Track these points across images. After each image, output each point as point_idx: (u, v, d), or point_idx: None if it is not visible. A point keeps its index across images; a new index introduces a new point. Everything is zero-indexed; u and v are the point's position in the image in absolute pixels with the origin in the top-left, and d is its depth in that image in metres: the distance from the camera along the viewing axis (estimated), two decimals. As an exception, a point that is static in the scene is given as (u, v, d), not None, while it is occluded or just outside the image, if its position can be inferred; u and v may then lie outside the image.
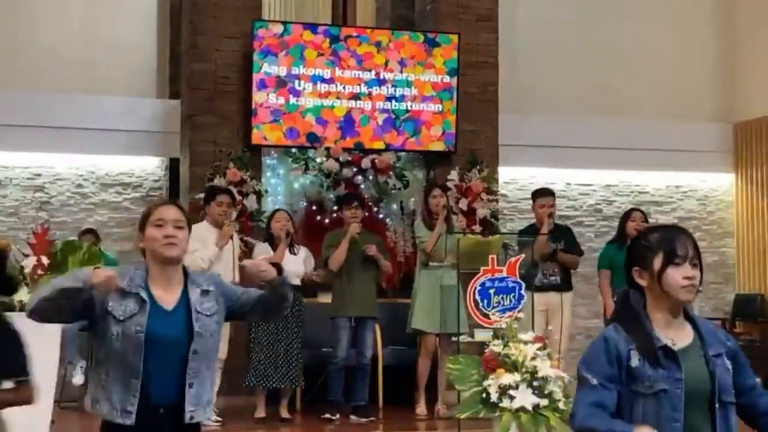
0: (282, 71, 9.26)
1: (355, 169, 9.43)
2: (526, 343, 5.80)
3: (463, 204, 9.56)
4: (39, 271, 5.79)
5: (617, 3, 11.43)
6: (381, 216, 9.67)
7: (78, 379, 8.36)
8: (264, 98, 9.21)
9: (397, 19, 10.52)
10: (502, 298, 6.37)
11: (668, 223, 3.70)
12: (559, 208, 8.74)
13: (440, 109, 9.64)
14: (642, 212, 8.43)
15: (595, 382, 2.81)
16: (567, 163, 10.98)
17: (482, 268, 6.45)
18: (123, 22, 10.37)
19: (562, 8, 11.22)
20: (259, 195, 9.16)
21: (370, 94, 9.49)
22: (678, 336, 2.85)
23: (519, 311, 6.32)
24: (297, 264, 7.82)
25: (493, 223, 9.63)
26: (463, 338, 7.68)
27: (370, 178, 9.52)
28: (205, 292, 3.39)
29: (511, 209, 10.83)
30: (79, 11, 10.30)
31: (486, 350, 5.88)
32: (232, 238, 7.67)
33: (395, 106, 9.55)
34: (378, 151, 9.50)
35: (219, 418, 7.38)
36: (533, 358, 5.71)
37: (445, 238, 7.81)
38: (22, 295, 5.58)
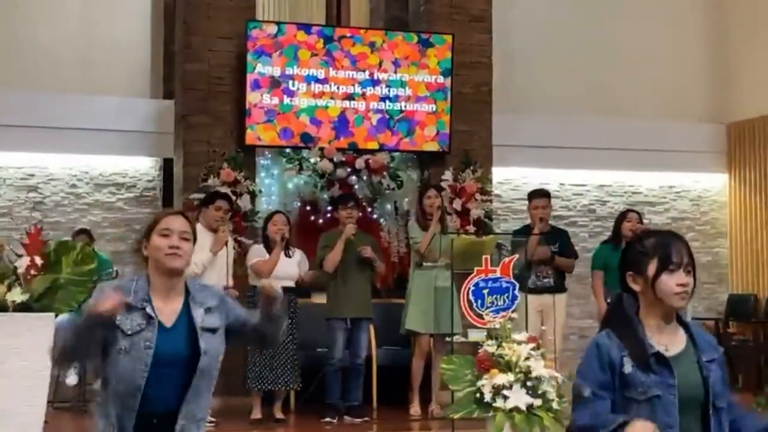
0: (276, 71, 9.26)
1: (349, 170, 9.42)
2: (519, 343, 5.80)
3: (457, 204, 9.56)
4: (32, 272, 5.77)
5: (611, 4, 11.44)
6: (375, 216, 9.67)
7: (71, 379, 8.34)
8: (258, 98, 9.21)
9: (390, 19, 10.52)
10: (496, 298, 6.38)
11: (664, 229, 3.72)
12: (552, 208, 8.74)
13: (434, 110, 9.65)
14: (637, 213, 8.45)
15: (587, 393, 2.80)
16: (561, 163, 10.99)
17: (476, 269, 6.46)
18: (116, 22, 10.36)
19: (556, 9, 11.23)
20: (253, 195, 9.16)
21: (364, 94, 9.49)
22: (671, 341, 2.85)
23: (513, 311, 6.33)
24: (292, 266, 7.84)
25: (486, 224, 9.64)
26: (457, 338, 7.69)
27: (364, 178, 9.52)
28: (208, 310, 3.35)
29: (505, 209, 10.84)
30: (74, 11, 10.28)
31: (480, 350, 5.88)
32: (226, 244, 7.67)
33: (389, 106, 9.56)
34: (372, 152, 9.50)
35: (213, 419, 7.37)
36: (527, 358, 5.71)
37: (439, 239, 7.82)
38: (15, 295, 5.57)
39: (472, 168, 9.69)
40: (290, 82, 9.31)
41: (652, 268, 2.83)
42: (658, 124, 11.32)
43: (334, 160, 9.34)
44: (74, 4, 10.31)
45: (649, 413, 2.75)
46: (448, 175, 9.62)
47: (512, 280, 6.44)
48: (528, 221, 8.44)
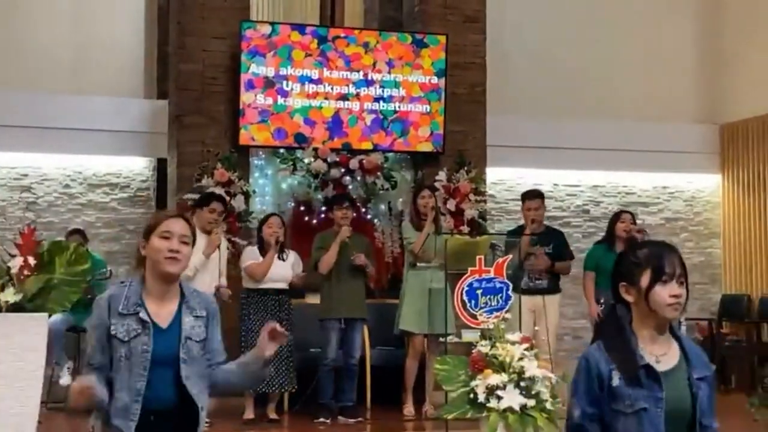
0: (270, 72, 9.26)
1: (343, 170, 9.42)
2: (513, 343, 5.80)
3: (451, 205, 9.57)
4: (25, 272, 5.76)
5: (605, 5, 11.46)
6: (369, 217, 9.67)
7: (65, 380, 8.33)
8: (252, 99, 9.20)
9: (385, 19, 10.52)
10: (490, 298, 6.38)
11: (658, 240, 3.73)
12: (546, 208, 8.75)
13: (428, 110, 9.65)
14: (631, 214, 8.47)
15: (576, 415, 2.83)
16: (554, 163, 11.01)
17: (470, 269, 6.46)
18: (110, 22, 10.35)
19: (550, 9, 11.25)
20: (246, 195, 9.15)
21: (358, 94, 9.50)
22: (664, 354, 2.86)
23: (506, 312, 6.33)
24: (285, 269, 7.85)
25: (480, 224, 9.65)
26: (451, 339, 7.69)
27: (358, 178, 9.52)
28: (197, 318, 3.36)
29: (499, 210, 10.85)
30: (67, 12, 10.27)
31: (473, 351, 5.88)
32: (218, 247, 7.65)
33: (383, 106, 9.56)
34: (366, 152, 9.50)
35: (207, 420, 7.35)
36: (520, 359, 5.71)
37: (433, 239, 7.82)
38: (8, 295, 5.56)
39: (466, 168, 9.70)
40: (284, 82, 9.31)
41: (645, 279, 2.84)
42: (651, 124, 11.35)
43: (328, 160, 9.34)
44: (68, 4, 10.30)
45: (636, 426, 2.76)
46: (442, 175, 9.63)
47: (506, 281, 6.45)
48: (522, 222, 8.44)
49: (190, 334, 3.32)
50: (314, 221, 9.35)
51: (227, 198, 8.57)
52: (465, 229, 9.35)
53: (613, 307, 2.93)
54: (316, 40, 9.43)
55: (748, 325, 10.98)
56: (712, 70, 11.78)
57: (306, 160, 9.37)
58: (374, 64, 9.54)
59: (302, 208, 9.51)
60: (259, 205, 9.30)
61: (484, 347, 5.82)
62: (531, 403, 5.59)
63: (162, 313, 3.31)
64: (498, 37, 10.41)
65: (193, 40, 9.28)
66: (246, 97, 9.17)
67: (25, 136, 9.61)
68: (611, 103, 11.26)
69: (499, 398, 5.58)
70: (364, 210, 9.58)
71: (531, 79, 10.98)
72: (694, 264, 11.38)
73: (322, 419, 7.78)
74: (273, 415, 7.79)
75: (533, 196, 8.39)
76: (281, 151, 9.47)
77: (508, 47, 10.86)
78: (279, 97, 9.28)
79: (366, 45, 9.56)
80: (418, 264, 7.99)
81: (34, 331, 5.44)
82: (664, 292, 2.82)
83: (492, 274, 6.44)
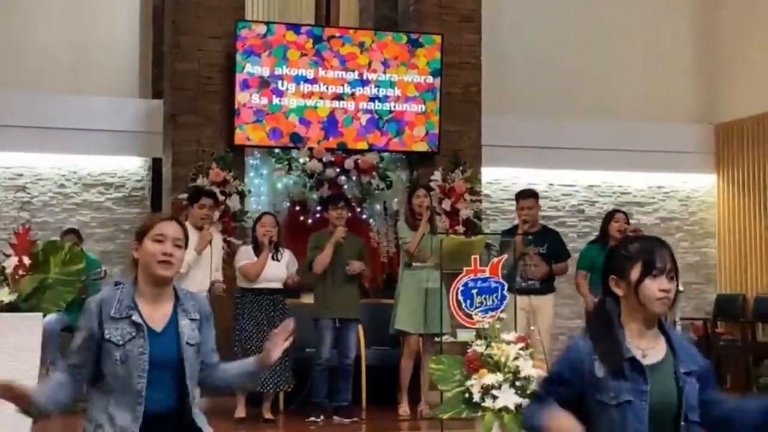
0: (265, 71, 9.26)
1: (338, 170, 9.42)
2: (508, 343, 5.81)
3: (447, 204, 9.57)
4: (20, 272, 5.76)
5: (600, 4, 11.47)
6: (364, 216, 9.67)
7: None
8: (247, 98, 9.20)
9: (380, 19, 10.52)
10: (485, 298, 6.38)
11: (649, 235, 3.74)
12: (541, 208, 8.76)
13: (423, 110, 9.65)
14: (624, 213, 8.47)
15: (542, 386, 2.94)
16: (549, 163, 11.01)
17: (465, 269, 6.46)
18: (105, 22, 10.34)
19: (545, 9, 11.25)
20: (242, 195, 9.15)
21: (353, 94, 9.49)
22: (651, 348, 2.86)
23: (501, 311, 6.33)
24: (280, 269, 7.83)
25: (476, 224, 9.65)
26: (446, 338, 7.69)
27: (354, 178, 9.52)
28: (193, 320, 3.35)
29: (494, 210, 10.85)
30: (62, 12, 10.25)
31: (469, 350, 5.89)
32: (210, 243, 7.64)
33: (378, 106, 9.56)
34: (361, 152, 9.49)
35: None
36: (516, 358, 5.72)
37: (429, 239, 7.82)
38: (3, 295, 5.56)
39: (461, 168, 9.70)
40: (279, 82, 9.30)
41: (635, 273, 2.85)
42: (646, 124, 11.35)
43: (323, 160, 9.34)
44: (63, 4, 10.28)
45: (620, 418, 2.77)
46: (437, 175, 9.63)
47: (501, 280, 6.45)
48: (517, 222, 8.45)
49: (188, 338, 3.31)
50: (309, 221, 9.34)
51: (218, 193, 8.54)
52: (460, 228, 9.36)
53: (601, 301, 2.94)
54: (311, 40, 9.42)
55: (743, 324, 10.98)
56: (708, 70, 11.79)
57: (301, 160, 9.37)
58: (369, 64, 9.54)
59: (297, 208, 9.50)
60: (254, 205, 9.29)
61: (479, 347, 5.83)
62: (526, 402, 5.60)
63: (156, 315, 3.29)
64: (493, 37, 10.42)
65: (188, 40, 9.27)
66: (241, 96, 9.17)
67: (20, 135, 9.59)
68: (608, 103, 11.26)
69: (495, 398, 5.59)
70: (359, 210, 9.58)
71: (528, 79, 10.98)
72: (689, 264, 11.39)
73: (313, 418, 7.77)
74: (268, 415, 7.77)
75: (526, 195, 8.39)
76: (276, 150, 9.46)
77: (506, 47, 10.86)
78: (274, 96, 9.28)
79: (361, 45, 9.56)
80: (413, 264, 7.98)
81: (28, 330, 5.45)
82: (654, 286, 2.83)
83: (487, 274, 6.44)
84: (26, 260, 5.78)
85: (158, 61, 10.21)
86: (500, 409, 5.58)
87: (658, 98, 11.52)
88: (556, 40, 11.15)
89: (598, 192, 11.42)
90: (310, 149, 9.31)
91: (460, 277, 6.43)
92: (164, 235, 3.30)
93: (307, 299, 8.47)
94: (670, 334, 2.92)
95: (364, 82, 9.52)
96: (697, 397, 2.85)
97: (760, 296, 10.96)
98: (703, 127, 11.72)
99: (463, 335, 7.84)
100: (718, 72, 11.72)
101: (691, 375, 2.85)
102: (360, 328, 8.23)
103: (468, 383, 5.69)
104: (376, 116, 9.55)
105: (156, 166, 9.95)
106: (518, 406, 5.57)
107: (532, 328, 7.32)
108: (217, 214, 8.52)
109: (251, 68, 9.21)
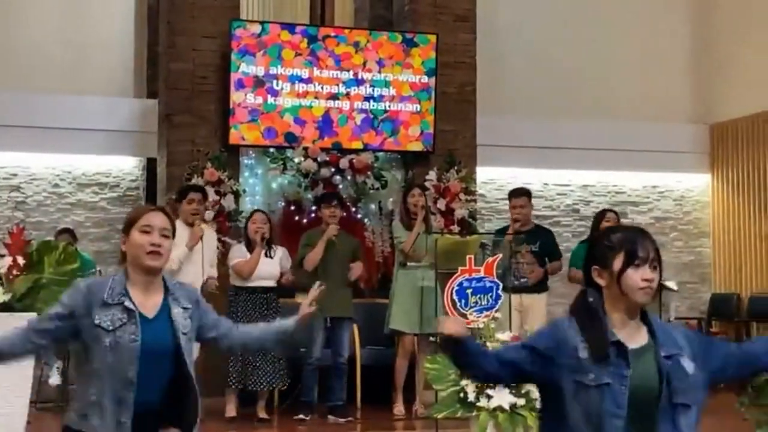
0: (260, 71, 9.25)
1: (333, 169, 9.42)
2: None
3: (441, 204, 9.57)
4: (14, 272, 5.75)
5: (595, 4, 11.48)
6: (359, 216, 9.67)
7: (54, 379, 8.29)
8: (242, 98, 9.19)
9: (375, 19, 10.52)
10: (480, 297, 6.39)
11: (631, 225, 3.75)
12: (536, 208, 8.75)
13: (418, 109, 9.65)
14: (615, 213, 8.48)
15: (512, 346, 3.00)
16: (544, 163, 11.02)
17: (460, 268, 6.46)
18: (100, 22, 10.33)
19: (541, 9, 11.26)
20: (236, 195, 9.14)
21: (348, 94, 9.49)
22: (632, 337, 2.86)
23: (496, 311, 6.34)
24: (273, 266, 7.83)
25: (471, 223, 9.66)
26: (441, 338, 7.68)
27: (348, 178, 9.52)
28: (185, 309, 3.34)
29: (489, 209, 10.86)
30: (57, 11, 10.24)
31: (463, 350, 5.88)
32: (201, 238, 7.62)
33: (373, 106, 9.56)
34: (356, 151, 9.49)
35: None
36: (510, 358, 5.72)
37: (423, 239, 7.82)
38: (-2, 295, 5.55)
39: (456, 168, 9.70)
40: (274, 81, 9.30)
41: (618, 263, 2.85)
42: (641, 124, 11.37)
43: (318, 159, 9.34)
44: (57, 4, 10.27)
45: (597, 400, 2.76)
46: (432, 174, 9.63)
47: (496, 280, 6.45)
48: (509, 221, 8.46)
49: (182, 327, 3.30)
50: (304, 221, 9.34)
51: (216, 197, 8.54)
52: (455, 228, 9.36)
53: (584, 291, 2.94)
54: (306, 40, 9.42)
55: (737, 324, 11.01)
56: (702, 71, 11.81)
57: (296, 160, 9.36)
58: (364, 64, 9.54)
59: (292, 208, 9.50)
60: (249, 205, 9.28)
61: (474, 346, 5.82)
62: (521, 402, 5.60)
63: (148, 303, 3.28)
64: (488, 37, 10.41)
65: (183, 40, 9.26)
66: (236, 96, 9.16)
67: (14, 135, 9.59)
68: (604, 103, 11.27)
69: (489, 397, 5.59)
70: (354, 209, 9.57)
71: (521, 79, 10.99)
72: (684, 263, 11.41)
73: (302, 416, 7.76)
74: (263, 414, 7.76)
75: (518, 194, 8.39)
76: (271, 150, 9.46)
77: (502, 46, 10.87)
78: (269, 96, 9.27)
79: (356, 44, 9.56)
80: (408, 263, 7.98)
81: (22, 331, 5.42)
82: (636, 276, 2.83)
83: (482, 274, 6.45)
84: (20, 260, 5.77)
85: (153, 60, 10.20)
86: (495, 409, 5.58)
87: (654, 98, 11.54)
88: (552, 40, 11.16)
89: (593, 191, 11.44)
90: (305, 149, 9.31)
91: (455, 276, 6.43)
92: (151, 225, 3.30)
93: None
94: (652, 322, 2.92)
95: (359, 82, 9.52)
96: (718, 365, 2.90)
97: (754, 296, 10.99)
98: (698, 127, 11.74)
99: (458, 335, 7.84)
100: (713, 72, 11.75)
101: (673, 358, 2.83)
102: (355, 327, 8.23)
103: (463, 383, 5.68)
104: (371, 116, 9.55)
105: (151, 165, 9.95)
106: (513, 406, 5.57)
107: (525, 327, 7.31)
108: (210, 213, 8.50)
109: (246, 68, 9.21)
